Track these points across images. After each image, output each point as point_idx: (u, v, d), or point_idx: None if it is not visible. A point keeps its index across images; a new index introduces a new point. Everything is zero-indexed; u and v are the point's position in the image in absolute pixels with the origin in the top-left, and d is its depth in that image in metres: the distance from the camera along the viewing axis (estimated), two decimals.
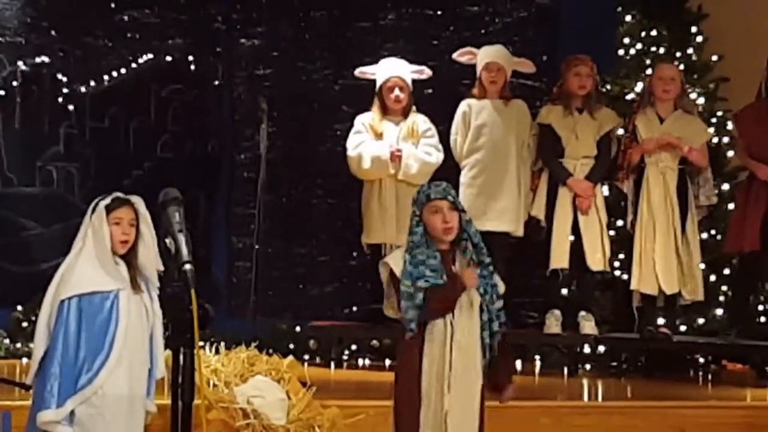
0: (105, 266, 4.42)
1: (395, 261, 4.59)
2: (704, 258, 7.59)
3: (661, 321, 7.37)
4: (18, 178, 8.48)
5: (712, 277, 8.02)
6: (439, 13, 8.85)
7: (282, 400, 5.26)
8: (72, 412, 4.32)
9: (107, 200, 4.47)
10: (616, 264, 7.81)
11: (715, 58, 8.69)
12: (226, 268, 8.78)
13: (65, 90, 8.56)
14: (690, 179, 7.39)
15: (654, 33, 8.70)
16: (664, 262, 7.24)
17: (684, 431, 5.90)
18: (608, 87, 8.43)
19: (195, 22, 8.82)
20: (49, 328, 4.39)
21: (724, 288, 8.10)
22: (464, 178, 7.41)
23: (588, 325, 7.39)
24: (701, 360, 7.99)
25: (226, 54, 8.90)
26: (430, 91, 7.94)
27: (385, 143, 7.26)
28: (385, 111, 7.37)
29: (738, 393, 7.00)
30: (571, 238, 7.36)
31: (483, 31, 8.71)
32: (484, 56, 7.45)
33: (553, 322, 7.40)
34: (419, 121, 7.37)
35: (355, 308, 8.22)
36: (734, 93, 8.37)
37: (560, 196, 7.35)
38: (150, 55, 8.76)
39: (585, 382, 7.48)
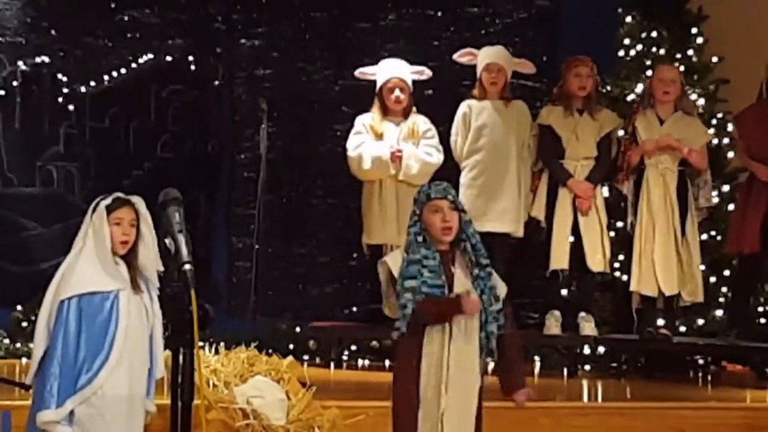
0: (105, 266, 4.42)
1: (394, 261, 4.59)
2: (704, 259, 7.59)
3: (660, 322, 7.37)
4: (18, 178, 8.48)
5: (712, 279, 8.02)
6: (439, 13, 8.85)
7: (282, 401, 5.26)
8: (72, 412, 4.32)
9: (108, 200, 4.47)
10: (616, 265, 7.81)
11: (715, 59, 8.69)
12: (226, 269, 8.78)
13: (65, 90, 8.56)
14: (690, 181, 7.39)
15: (654, 34, 8.70)
16: (664, 264, 7.24)
17: None
18: (608, 88, 8.43)
19: (195, 22, 8.83)
20: (48, 328, 4.39)
21: (724, 289, 8.09)
22: (464, 178, 7.41)
23: (588, 326, 7.39)
24: (701, 361, 7.99)
25: (227, 54, 8.90)
26: (430, 91, 7.95)
27: (385, 144, 7.26)
28: (385, 112, 7.37)
29: (738, 394, 7.00)
30: (571, 239, 7.36)
31: (483, 32, 8.71)
32: (485, 57, 7.45)
33: (553, 323, 7.40)
34: (419, 121, 7.37)
35: (354, 309, 8.22)
36: (734, 94, 8.37)
37: (560, 197, 7.35)
38: (150, 55, 8.76)
39: (585, 383, 7.47)
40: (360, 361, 8.00)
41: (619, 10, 8.89)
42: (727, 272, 8.10)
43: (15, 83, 8.45)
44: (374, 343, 7.95)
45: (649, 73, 8.03)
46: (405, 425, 4.49)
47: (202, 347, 5.67)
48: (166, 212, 4.02)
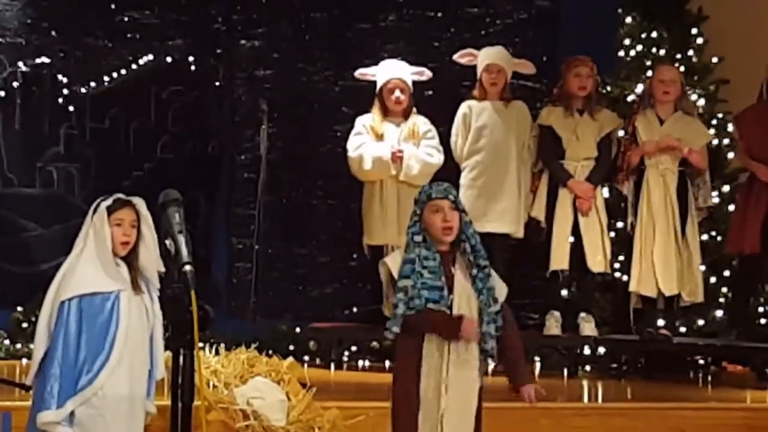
0: (106, 267, 4.42)
1: (394, 262, 4.59)
2: (704, 259, 7.59)
3: (661, 323, 7.37)
4: (18, 178, 8.49)
5: (713, 279, 8.02)
6: (439, 14, 8.85)
7: (282, 402, 5.26)
8: (72, 413, 4.31)
9: (109, 201, 4.47)
10: (616, 266, 7.81)
11: (715, 59, 8.69)
12: (226, 269, 8.79)
13: (65, 91, 8.56)
14: (690, 181, 7.39)
15: (654, 35, 8.70)
16: (664, 264, 7.24)
17: None
18: (608, 89, 8.43)
19: (195, 23, 8.83)
20: (49, 329, 4.39)
21: (724, 289, 8.09)
22: (464, 179, 7.41)
23: (588, 327, 7.39)
24: (701, 361, 7.99)
25: (227, 55, 8.90)
26: (430, 92, 7.95)
27: (386, 144, 7.26)
28: (385, 112, 7.37)
29: (738, 395, 7.00)
30: (572, 239, 7.36)
31: (483, 33, 8.71)
32: (485, 58, 7.45)
33: (553, 324, 7.40)
34: (420, 122, 7.37)
35: (355, 309, 8.23)
36: (734, 95, 8.37)
37: (560, 198, 7.35)
38: (150, 56, 8.76)
39: (585, 383, 7.47)
40: (360, 362, 8.00)
41: (619, 10, 8.89)
42: (727, 273, 8.10)
43: (15, 84, 8.45)
44: (374, 343, 7.95)
45: (649, 73, 8.02)
46: (404, 426, 4.49)
47: (203, 348, 5.68)
48: (166, 213, 4.02)
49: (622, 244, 7.63)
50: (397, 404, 4.53)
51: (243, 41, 8.88)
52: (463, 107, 7.48)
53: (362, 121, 7.40)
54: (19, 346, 7.55)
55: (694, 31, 8.77)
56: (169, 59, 8.80)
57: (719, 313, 7.99)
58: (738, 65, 8.38)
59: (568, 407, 6.17)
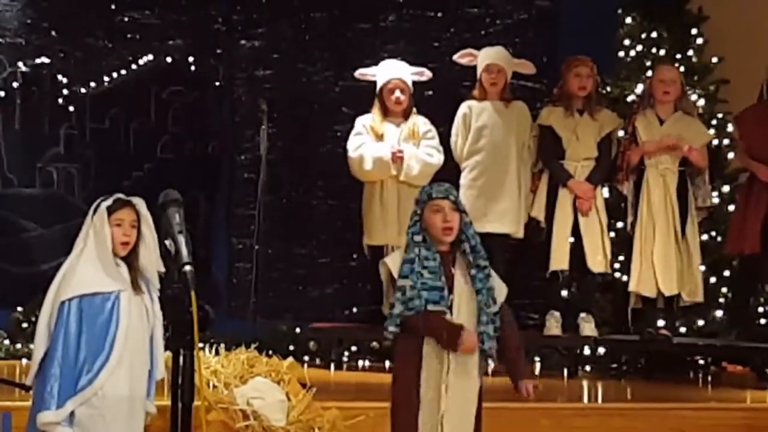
0: (106, 267, 4.42)
1: (394, 262, 4.58)
2: (704, 260, 7.59)
3: (661, 323, 7.37)
4: (18, 178, 8.49)
5: (713, 279, 8.02)
6: (439, 14, 8.85)
7: (282, 402, 5.26)
8: (72, 413, 4.31)
9: (109, 201, 4.47)
10: (616, 266, 7.81)
11: (715, 60, 8.68)
12: (227, 269, 8.78)
13: (65, 91, 8.56)
14: (690, 180, 7.39)
15: (654, 35, 8.70)
16: (664, 264, 7.24)
17: None
18: (608, 89, 8.43)
19: (195, 23, 8.83)
20: (49, 329, 4.39)
21: (724, 290, 8.09)
22: (464, 179, 7.41)
23: (588, 327, 7.39)
24: (701, 362, 7.98)
25: (227, 55, 8.90)
26: (430, 92, 7.94)
27: (386, 144, 7.26)
28: (385, 113, 7.37)
29: (738, 395, 7.00)
30: (572, 239, 7.36)
31: (483, 33, 8.71)
32: (485, 58, 7.45)
33: (553, 324, 7.40)
34: (420, 122, 7.37)
35: (355, 309, 8.23)
36: (734, 95, 8.37)
37: (560, 198, 7.35)
38: (150, 56, 8.76)
39: (585, 383, 7.47)
40: (360, 362, 8.00)
41: (619, 10, 8.89)
42: (727, 273, 8.09)
43: (15, 84, 8.45)
44: (374, 344, 7.95)
45: (649, 73, 8.02)
46: (404, 426, 4.49)
47: (203, 348, 5.68)
48: (166, 213, 4.02)
49: (622, 244, 7.63)
50: (397, 405, 4.53)
51: (243, 41, 8.87)
52: (463, 107, 7.48)
53: (362, 122, 7.40)
54: (19, 346, 7.55)
55: (694, 31, 8.77)
56: (169, 59, 8.80)
57: (719, 313, 7.99)
58: (738, 65, 8.38)
59: (568, 407, 6.17)
